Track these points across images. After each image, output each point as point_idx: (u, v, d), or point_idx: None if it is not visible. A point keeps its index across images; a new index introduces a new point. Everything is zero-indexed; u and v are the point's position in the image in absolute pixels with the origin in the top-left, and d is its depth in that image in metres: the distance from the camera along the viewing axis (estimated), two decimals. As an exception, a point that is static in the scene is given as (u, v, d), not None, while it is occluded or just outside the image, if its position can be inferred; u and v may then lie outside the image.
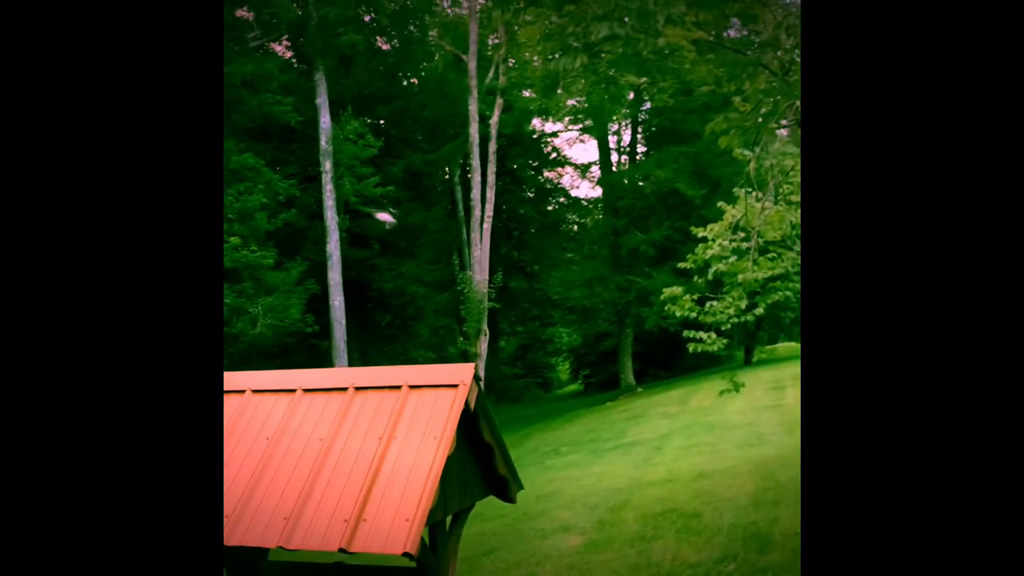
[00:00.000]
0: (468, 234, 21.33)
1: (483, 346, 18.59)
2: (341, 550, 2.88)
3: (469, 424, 3.49)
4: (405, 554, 2.81)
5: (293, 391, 3.62)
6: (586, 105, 22.07)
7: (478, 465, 3.70)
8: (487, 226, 19.12)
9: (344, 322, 17.30)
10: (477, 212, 19.23)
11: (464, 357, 18.85)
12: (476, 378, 3.46)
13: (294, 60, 20.31)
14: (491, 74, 20.38)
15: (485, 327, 18.79)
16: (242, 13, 17.24)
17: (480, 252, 19.02)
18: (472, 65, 18.95)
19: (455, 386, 3.34)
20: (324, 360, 17.45)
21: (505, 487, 3.82)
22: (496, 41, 20.75)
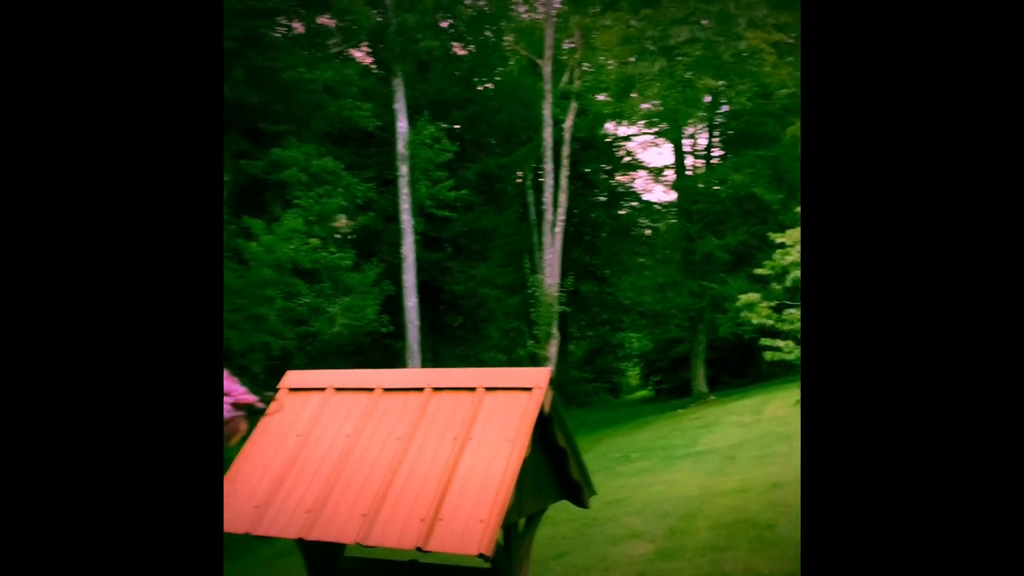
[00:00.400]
0: (539, 237, 21.37)
1: (553, 349, 18.60)
2: (418, 549, 2.94)
3: (543, 428, 3.52)
4: (480, 555, 2.85)
5: (372, 390, 3.71)
6: (661, 108, 21.86)
7: (551, 469, 3.72)
8: (559, 230, 19.13)
9: (418, 323, 17.57)
10: (549, 216, 19.26)
11: (534, 360, 18.90)
12: (551, 382, 3.48)
13: (373, 66, 20.75)
14: (565, 78, 20.39)
15: (555, 330, 18.80)
16: (323, 20, 17.71)
17: (551, 256, 19.04)
18: (547, 69, 19.01)
19: (530, 389, 3.37)
20: (398, 360, 17.75)
21: (578, 492, 3.83)
22: (571, 45, 20.76)
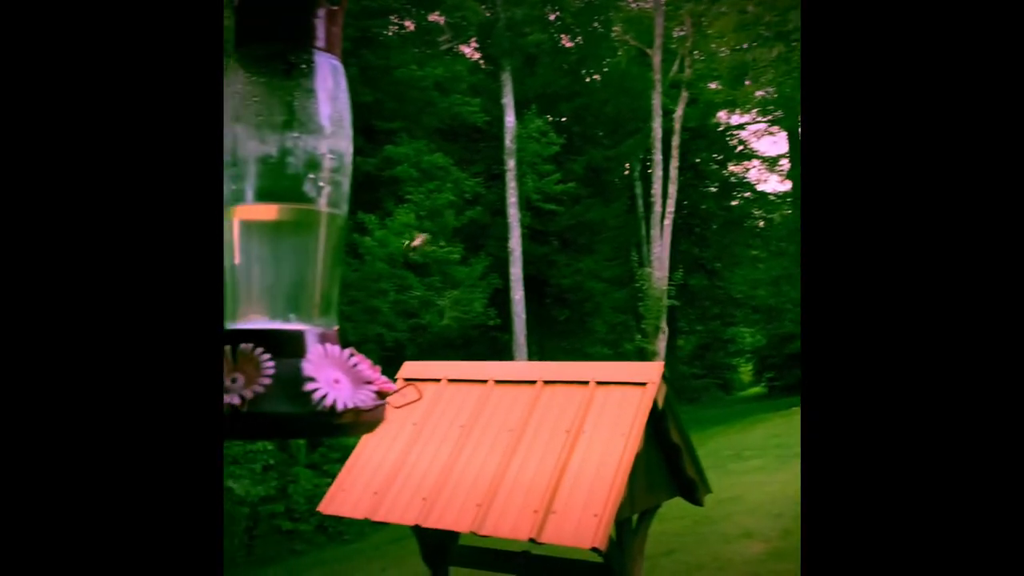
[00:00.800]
0: (648, 230, 21.06)
1: (661, 344, 18.30)
2: (531, 540, 2.95)
3: (657, 423, 3.46)
4: (594, 549, 2.84)
5: (485, 382, 3.76)
6: (776, 96, 21.08)
7: (665, 465, 3.66)
8: (668, 222, 18.79)
9: (524, 316, 17.67)
10: (658, 208, 18.94)
11: (641, 355, 18.66)
12: (665, 377, 3.42)
13: (482, 62, 20.98)
14: (676, 67, 19.99)
15: (664, 325, 18.49)
16: (434, 18, 18.04)
17: (660, 248, 18.73)
18: (656, 59, 18.68)
19: (643, 384, 3.33)
20: (504, 353, 17.93)
21: (692, 489, 3.76)
22: (682, 33, 20.31)
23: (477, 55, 21.09)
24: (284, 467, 11.86)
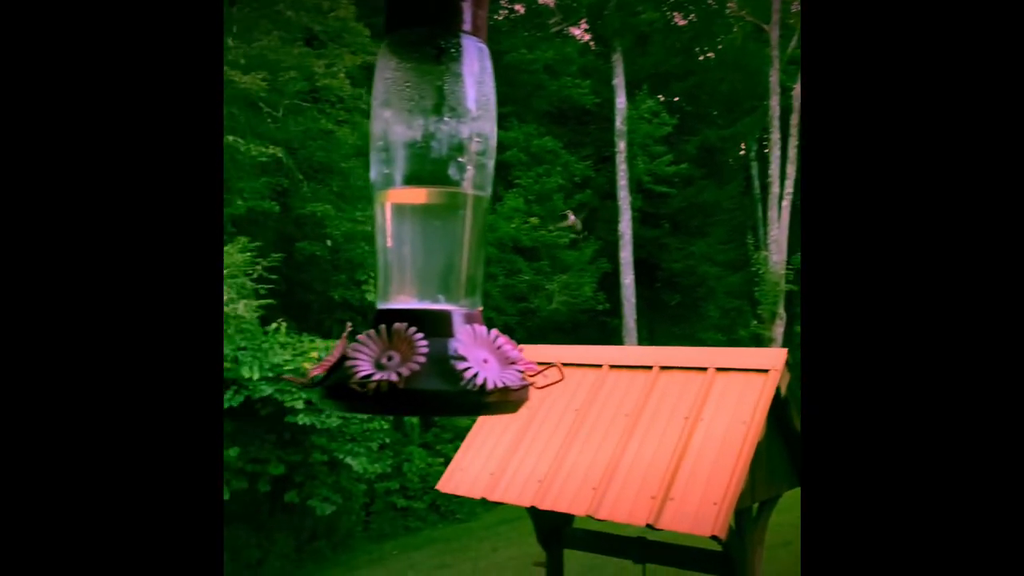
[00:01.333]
0: (764, 212, 20.36)
1: (778, 330, 17.70)
2: (648, 526, 2.93)
3: (779, 411, 3.35)
4: (713, 537, 2.79)
5: (600, 366, 3.74)
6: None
7: (787, 454, 3.55)
8: (786, 203, 18.09)
9: (634, 301, 17.49)
10: (775, 189, 18.26)
11: (757, 341, 18.11)
12: (788, 364, 3.31)
13: (592, 43, 20.78)
14: (794, 43, 19.15)
15: (781, 310, 17.87)
16: (544, 0, 17.99)
17: (778, 231, 18.07)
18: (774, 34, 17.95)
19: (766, 371, 3.23)
20: (613, 338, 17.82)
21: (815, 480, 3.62)
22: (800, 8, 19.41)
23: (587, 36, 20.88)
24: (399, 446, 12.24)
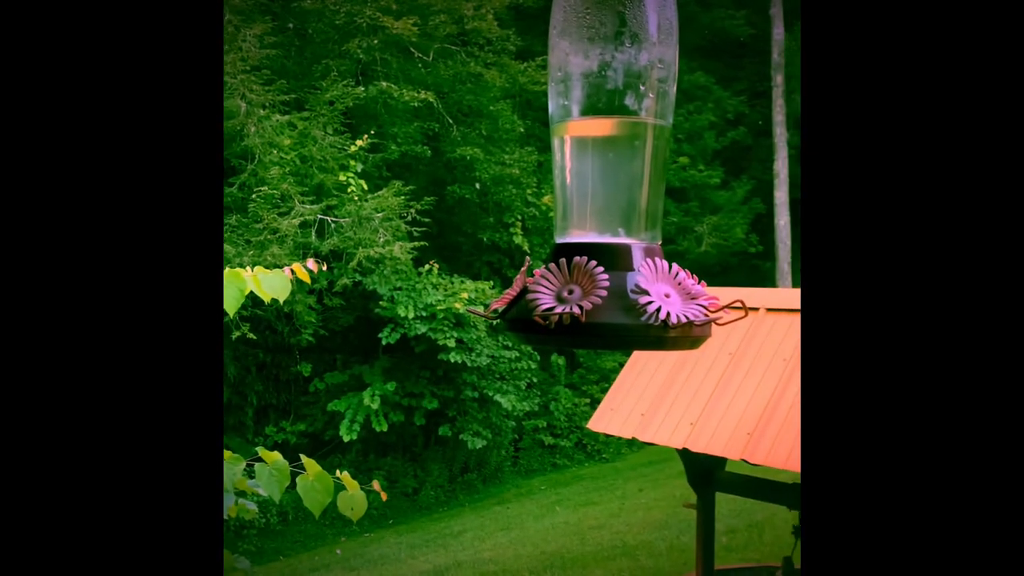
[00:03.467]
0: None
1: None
2: (807, 473, 2.84)
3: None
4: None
5: (756, 309, 3.62)
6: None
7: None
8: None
9: (789, 243, 16.70)
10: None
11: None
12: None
13: (747, -30, 19.59)
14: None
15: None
16: (696, -72, 17.08)
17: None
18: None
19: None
20: (766, 281, 17.15)
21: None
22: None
23: (742, -37, 19.70)
24: (546, 386, 12.49)
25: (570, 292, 0.66)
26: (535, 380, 11.71)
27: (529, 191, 11.92)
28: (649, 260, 0.68)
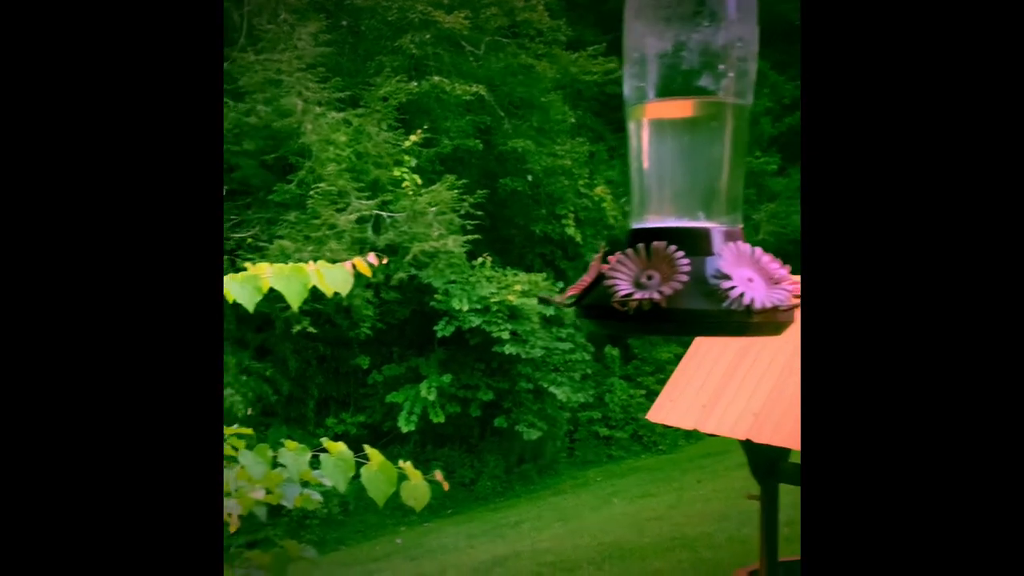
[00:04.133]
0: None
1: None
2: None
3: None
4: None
5: (820, 298, 3.54)
6: None
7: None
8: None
9: (850, 230, 16.29)
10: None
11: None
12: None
13: (802, -50, 19.11)
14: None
15: None
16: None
17: None
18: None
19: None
20: (826, 269, 16.74)
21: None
22: None
23: (797, -56, 19.22)
24: (600, 377, 12.43)
25: (649, 278, 0.64)
26: (589, 372, 11.66)
27: (581, 182, 11.86)
28: (731, 244, 0.67)
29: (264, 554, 1.59)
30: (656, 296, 0.63)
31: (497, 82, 11.46)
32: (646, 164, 0.69)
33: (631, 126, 0.70)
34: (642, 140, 0.69)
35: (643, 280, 0.64)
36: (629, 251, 0.67)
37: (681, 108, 0.68)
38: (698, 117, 0.69)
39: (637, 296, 0.64)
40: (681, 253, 0.64)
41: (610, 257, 0.69)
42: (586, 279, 0.71)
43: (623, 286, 0.65)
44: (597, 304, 0.68)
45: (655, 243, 0.65)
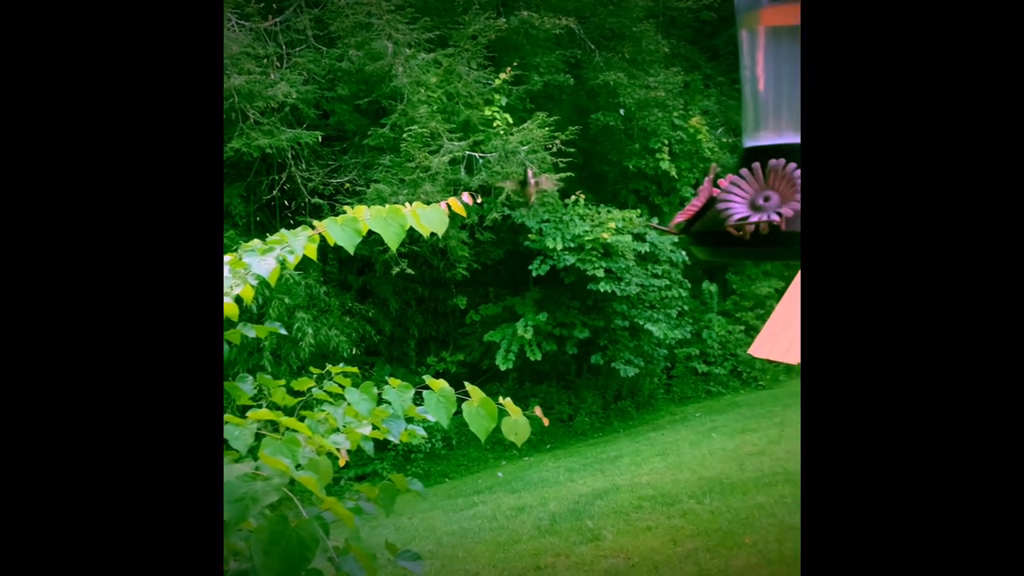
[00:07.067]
0: None
1: None
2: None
3: None
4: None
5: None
6: None
7: None
8: None
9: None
10: None
11: None
12: None
13: None
14: None
15: None
16: None
17: None
18: None
19: None
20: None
21: None
22: None
23: None
24: (698, 313, 12.23)
25: (766, 199, 0.60)
26: (686, 308, 11.49)
27: (676, 114, 11.49)
28: None
29: (373, 487, 1.64)
30: (775, 218, 0.58)
31: (587, 13, 11.13)
32: (760, 76, 0.64)
33: (743, 35, 0.65)
34: (757, 49, 0.64)
35: (760, 202, 0.60)
36: (744, 171, 0.63)
37: (799, 12, 0.62)
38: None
39: (754, 219, 0.59)
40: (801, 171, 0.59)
41: (721, 180, 0.65)
42: (696, 203, 0.67)
43: (739, 209, 0.61)
44: (708, 230, 0.64)
45: (772, 161, 0.61)
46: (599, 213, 10.21)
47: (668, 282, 10.83)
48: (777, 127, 0.64)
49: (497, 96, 9.35)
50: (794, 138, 0.63)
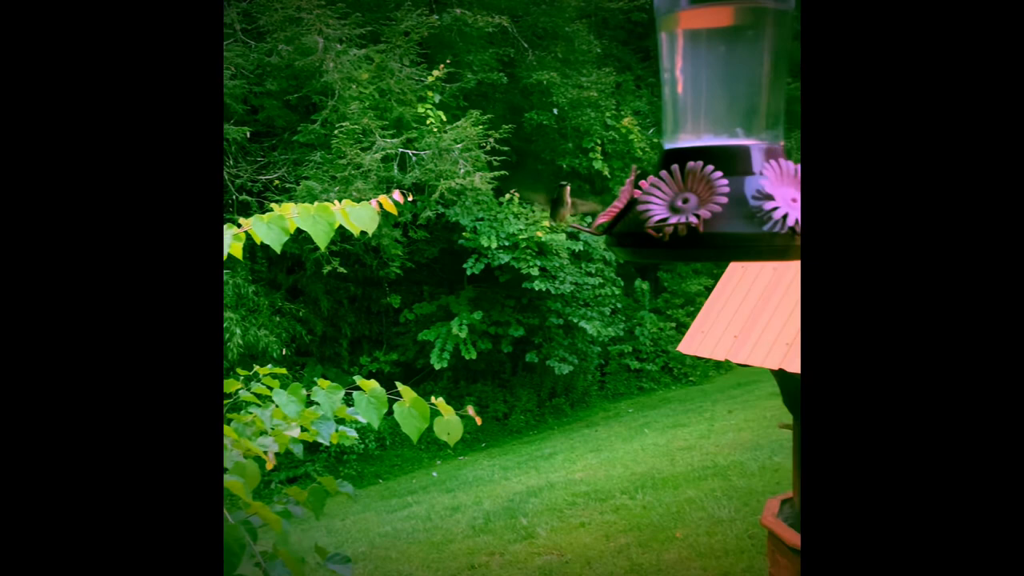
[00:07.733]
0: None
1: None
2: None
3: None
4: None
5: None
6: None
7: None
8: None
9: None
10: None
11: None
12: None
13: None
14: None
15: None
16: None
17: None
18: None
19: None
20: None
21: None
22: None
23: None
24: (630, 311, 12.41)
25: (685, 201, 0.61)
26: (619, 306, 11.65)
27: (608, 114, 11.62)
28: (772, 162, 0.63)
29: (302, 490, 1.61)
30: (693, 220, 0.59)
31: (520, 12, 11.17)
32: (679, 79, 0.65)
33: (663, 38, 0.65)
34: (676, 52, 0.65)
35: (679, 204, 0.61)
36: (663, 173, 0.64)
37: (717, 15, 0.63)
38: (735, 25, 0.64)
39: (672, 221, 0.60)
40: (719, 173, 0.61)
41: (642, 181, 0.66)
42: (617, 205, 0.67)
43: (657, 211, 0.62)
44: (629, 232, 0.65)
45: (690, 163, 0.62)
46: (533, 212, 10.26)
47: (602, 280, 10.96)
48: (696, 129, 0.65)
49: (430, 93, 9.29)
50: (713, 140, 0.64)
